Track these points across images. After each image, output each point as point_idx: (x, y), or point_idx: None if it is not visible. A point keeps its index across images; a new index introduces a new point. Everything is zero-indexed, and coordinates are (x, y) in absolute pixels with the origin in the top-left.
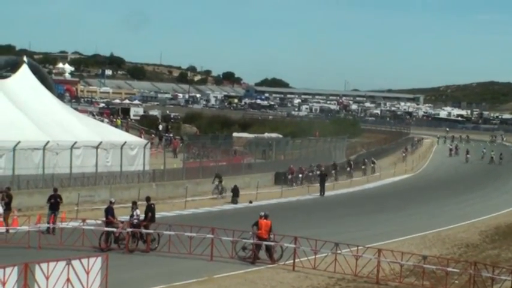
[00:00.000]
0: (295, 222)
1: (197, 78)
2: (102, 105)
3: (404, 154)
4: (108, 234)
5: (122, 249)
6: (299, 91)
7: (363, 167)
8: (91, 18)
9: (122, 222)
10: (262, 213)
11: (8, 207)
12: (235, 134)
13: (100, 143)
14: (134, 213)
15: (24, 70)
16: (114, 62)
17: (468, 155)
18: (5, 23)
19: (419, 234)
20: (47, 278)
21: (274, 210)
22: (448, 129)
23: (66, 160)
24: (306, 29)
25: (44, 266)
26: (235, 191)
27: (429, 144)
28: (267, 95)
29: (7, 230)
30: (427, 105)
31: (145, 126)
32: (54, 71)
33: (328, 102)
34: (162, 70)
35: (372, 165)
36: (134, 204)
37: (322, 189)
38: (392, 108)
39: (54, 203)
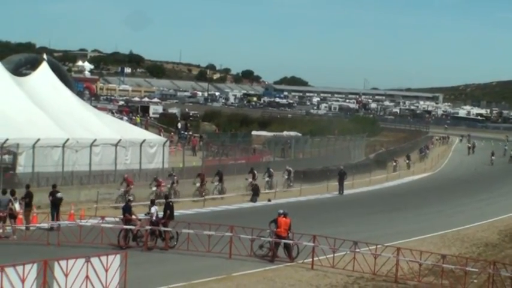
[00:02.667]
0: (314, 221)
1: (216, 76)
2: (121, 103)
3: (423, 153)
4: (127, 232)
5: (141, 247)
6: (318, 89)
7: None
8: (111, 16)
9: (140, 220)
10: (281, 211)
11: (28, 205)
12: (254, 132)
13: (119, 141)
14: (152, 210)
15: (44, 68)
16: (134, 60)
17: (493, 157)
18: (25, 20)
19: (438, 233)
20: (66, 275)
21: (293, 208)
22: (446, 126)
23: (85, 158)
24: (325, 28)
25: (63, 263)
26: (256, 190)
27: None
28: (286, 93)
29: (27, 227)
30: (446, 104)
31: (165, 124)
32: (73, 68)
33: (348, 100)
34: (181, 68)
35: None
36: (152, 203)
37: (341, 188)
38: (412, 107)
39: (55, 199)
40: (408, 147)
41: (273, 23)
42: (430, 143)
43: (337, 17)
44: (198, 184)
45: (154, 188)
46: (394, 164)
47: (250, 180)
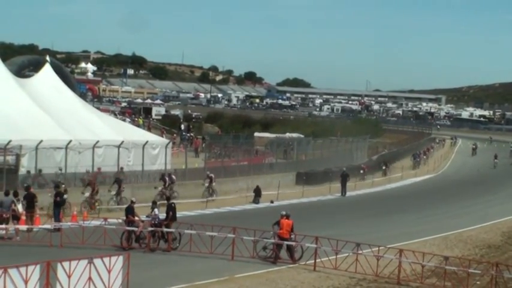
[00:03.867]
0: (316, 222)
1: (219, 78)
2: (124, 104)
3: (417, 159)
4: (130, 233)
5: (143, 248)
6: (321, 91)
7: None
8: (113, 18)
9: (143, 221)
10: (284, 213)
11: (29, 206)
12: (256, 134)
13: (122, 142)
14: (153, 212)
15: (47, 69)
16: (136, 62)
17: (496, 160)
18: (28, 22)
19: (440, 235)
20: (69, 277)
21: (296, 210)
22: (439, 127)
23: (88, 159)
24: (328, 29)
25: (66, 264)
26: (258, 191)
27: (450, 144)
28: (288, 95)
29: (29, 229)
30: (449, 105)
31: (167, 125)
32: (76, 70)
33: (350, 102)
34: (184, 70)
35: (384, 167)
36: (154, 204)
37: (344, 190)
38: (414, 109)
39: (60, 200)
40: (411, 149)
41: (275, 25)
42: (430, 147)
43: (340, 18)
44: (207, 184)
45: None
46: (384, 168)
47: (207, 184)
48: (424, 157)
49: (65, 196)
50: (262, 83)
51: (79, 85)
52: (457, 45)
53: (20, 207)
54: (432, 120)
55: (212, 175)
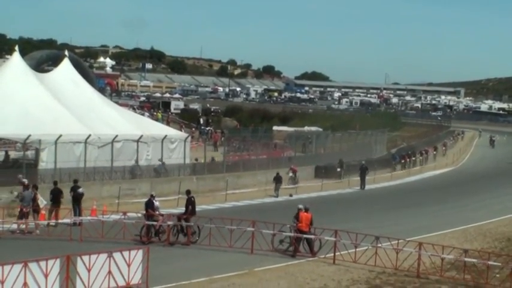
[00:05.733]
0: (336, 216)
1: (237, 71)
2: (142, 98)
3: (444, 148)
4: (149, 227)
5: (163, 242)
6: (339, 84)
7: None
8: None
9: (162, 215)
10: (301, 206)
11: (53, 201)
12: (275, 128)
13: (141, 137)
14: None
15: (66, 64)
16: (155, 56)
17: None
18: (47, 17)
19: (460, 228)
20: (89, 270)
21: (315, 203)
22: (439, 118)
23: (107, 153)
24: (346, 22)
25: (85, 258)
26: (278, 179)
27: (470, 137)
28: (307, 88)
29: (48, 223)
30: (467, 98)
31: (186, 119)
32: (95, 65)
33: (369, 95)
34: (202, 64)
35: (435, 152)
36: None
37: (363, 183)
38: (433, 102)
39: (77, 195)
40: (429, 142)
41: (293, 18)
42: (429, 149)
43: (359, 11)
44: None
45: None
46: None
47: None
48: (435, 152)
49: (80, 190)
50: (280, 77)
51: (98, 80)
52: (476, 38)
53: (43, 201)
54: (451, 113)
55: None
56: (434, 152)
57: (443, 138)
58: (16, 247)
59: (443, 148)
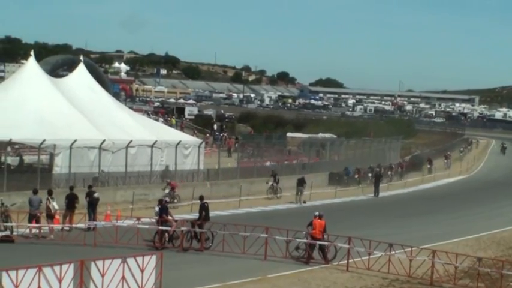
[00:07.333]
0: (349, 223)
1: (252, 78)
2: (157, 104)
3: (446, 161)
4: (163, 233)
5: (176, 248)
6: (353, 91)
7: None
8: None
9: (176, 221)
10: (317, 213)
11: (68, 207)
12: (289, 134)
13: (155, 142)
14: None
15: (81, 69)
16: (169, 62)
17: None
18: (62, 22)
19: (474, 236)
20: (103, 276)
21: (328, 210)
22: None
23: (121, 159)
24: (360, 29)
25: (99, 263)
26: (301, 181)
27: (484, 145)
28: (321, 95)
29: (62, 228)
30: (482, 106)
31: (200, 125)
32: (110, 70)
33: (383, 102)
34: (216, 70)
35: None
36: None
37: (377, 190)
38: (447, 109)
39: (93, 200)
40: (444, 149)
41: (308, 25)
42: (445, 157)
43: (373, 18)
44: (271, 182)
45: (167, 191)
46: (429, 166)
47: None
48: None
49: (95, 195)
50: (294, 83)
51: (112, 85)
52: (490, 46)
53: (55, 205)
54: (466, 121)
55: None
56: (446, 161)
57: (458, 146)
58: (30, 251)
59: (445, 161)
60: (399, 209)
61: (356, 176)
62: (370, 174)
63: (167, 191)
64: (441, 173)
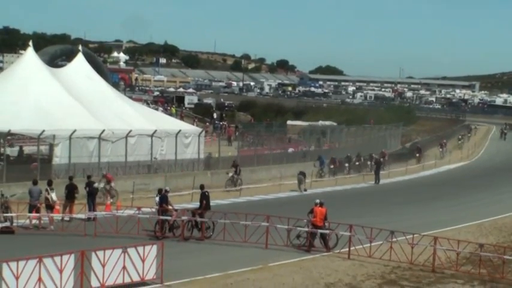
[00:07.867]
0: (350, 210)
1: (251, 66)
2: (156, 93)
3: (441, 150)
4: (163, 223)
5: (177, 237)
6: (353, 79)
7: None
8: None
9: (176, 210)
10: (318, 201)
11: (68, 197)
12: (289, 122)
13: (155, 132)
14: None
15: (80, 59)
16: (168, 51)
17: None
18: (61, 12)
19: (475, 222)
20: (103, 266)
21: (329, 198)
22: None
23: (121, 148)
24: (360, 16)
25: (100, 253)
26: (302, 173)
27: (485, 131)
28: (321, 82)
29: (62, 218)
30: (482, 92)
31: (200, 114)
32: (109, 59)
33: (383, 89)
34: (216, 58)
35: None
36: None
37: (377, 177)
38: (448, 96)
39: (92, 190)
40: (446, 136)
41: (307, 12)
42: (440, 145)
43: (373, 5)
44: (231, 174)
45: (102, 185)
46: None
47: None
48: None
49: (95, 185)
50: (294, 71)
51: (111, 74)
52: (490, 32)
53: (53, 196)
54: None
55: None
56: (441, 150)
57: (458, 133)
58: (31, 242)
59: (440, 150)
60: (400, 196)
61: (332, 167)
62: (369, 162)
63: (102, 184)
64: (431, 162)
